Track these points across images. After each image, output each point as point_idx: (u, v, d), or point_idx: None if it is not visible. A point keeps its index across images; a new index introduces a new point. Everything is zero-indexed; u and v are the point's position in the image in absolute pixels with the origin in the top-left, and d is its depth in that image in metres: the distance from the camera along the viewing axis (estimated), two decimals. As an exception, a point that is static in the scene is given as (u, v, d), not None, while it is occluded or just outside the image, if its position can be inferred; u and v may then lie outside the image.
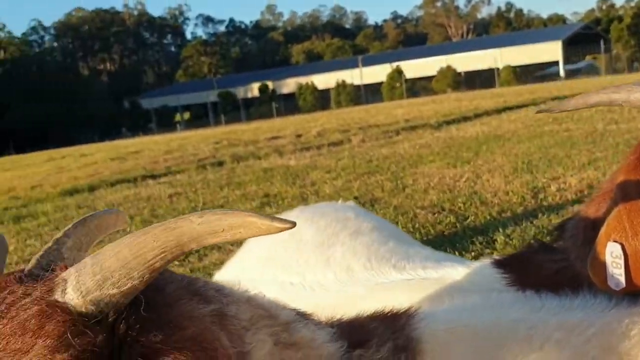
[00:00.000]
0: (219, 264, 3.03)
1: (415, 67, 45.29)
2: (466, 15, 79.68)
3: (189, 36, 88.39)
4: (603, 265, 1.02)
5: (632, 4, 50.99)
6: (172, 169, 8.79)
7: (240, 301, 0.83)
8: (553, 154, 5.61)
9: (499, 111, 12.34)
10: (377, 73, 46.25)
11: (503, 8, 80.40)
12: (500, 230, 3.27)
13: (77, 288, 0.66)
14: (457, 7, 79.08)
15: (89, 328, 0.64)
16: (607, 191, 1.15)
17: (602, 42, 40.30)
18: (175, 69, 73.32)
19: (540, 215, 3.48)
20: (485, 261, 1.25)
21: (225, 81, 56.35)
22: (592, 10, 69.43)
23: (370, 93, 46.84)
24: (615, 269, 1.00)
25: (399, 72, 43.39)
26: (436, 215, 3.79)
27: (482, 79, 41.60)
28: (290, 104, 45.99)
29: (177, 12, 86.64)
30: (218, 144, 12.43)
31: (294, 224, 0.64)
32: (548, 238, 1.36)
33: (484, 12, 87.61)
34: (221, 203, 5.37)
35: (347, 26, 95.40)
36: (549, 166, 4.98)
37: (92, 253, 0.88)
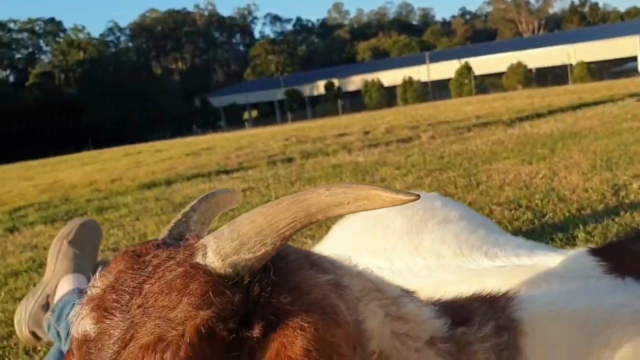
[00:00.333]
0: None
1: (484, 64, 44.37)
2: (537, 11, 77.44)
3: (257, 35, 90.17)
4: None
5: None
6: (243, 164, 8.98)
7: (351, 274, 0.88)
8: (634, 151, 5.39)
9: (573, 108, 11.92)
10: (444, 70, 45.58)
11: (577, 2, 77.59)
12: (581, 227, 3.18)
13: (216, 252, 0.72)
14: (527, 3, 76.99)
15: (228, 288, 0.70)
16: None
17: (684, 36, 38.30)
18: (243, 67, 74.76)
19: (622, 212, 3.36)
20: (580, 249, 1.24)
21: (292, 79, 57.01)
22: (675, 2, 65.96)
23: (437, 90, 46.21)
24: None
25: (467, 68, 42.63)
26: (513, 211, 3.73)
27: (554, 75, 40.28)
28: (355, 102, 45.96)
29: (245, 12, 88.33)
30: (287, 141, 12.57)
31: (418, 196, 0.68)
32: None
33: (556, 7, 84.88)
34: (293, 198, 5.44)
35: (414, 23, 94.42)
36: (630, 163, 4.79)
37: (211, 228, 0.95)
